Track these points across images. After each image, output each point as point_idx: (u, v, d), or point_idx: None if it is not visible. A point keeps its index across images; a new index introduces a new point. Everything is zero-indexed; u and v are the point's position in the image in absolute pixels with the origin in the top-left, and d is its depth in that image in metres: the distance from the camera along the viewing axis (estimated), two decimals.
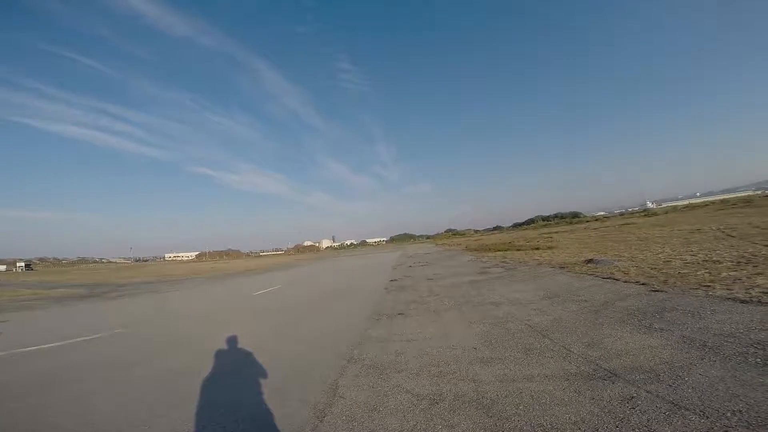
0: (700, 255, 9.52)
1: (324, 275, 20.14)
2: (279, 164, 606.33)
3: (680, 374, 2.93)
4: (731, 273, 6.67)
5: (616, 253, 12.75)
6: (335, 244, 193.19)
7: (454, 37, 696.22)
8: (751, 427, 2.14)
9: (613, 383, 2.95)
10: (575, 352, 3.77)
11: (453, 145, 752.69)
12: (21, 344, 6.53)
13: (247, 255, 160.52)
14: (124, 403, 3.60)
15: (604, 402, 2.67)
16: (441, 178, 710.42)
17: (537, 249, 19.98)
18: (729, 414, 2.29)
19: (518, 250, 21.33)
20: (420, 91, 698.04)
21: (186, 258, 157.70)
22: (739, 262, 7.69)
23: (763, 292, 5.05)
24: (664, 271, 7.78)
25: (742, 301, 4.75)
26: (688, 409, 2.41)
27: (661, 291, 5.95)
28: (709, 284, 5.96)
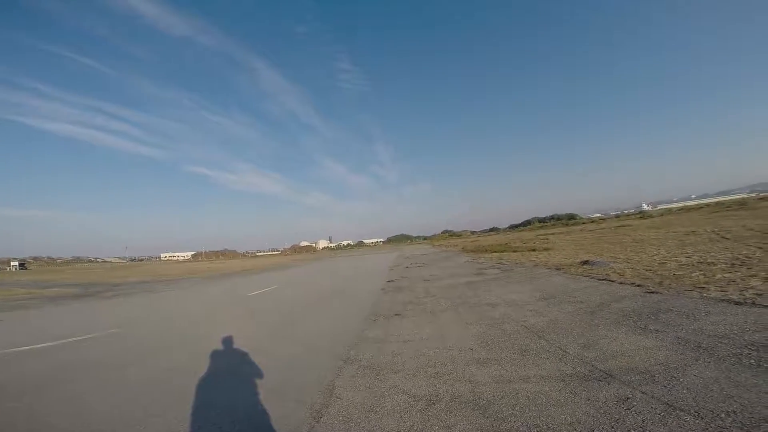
0: (694, 257, 9.59)
1: (320, 276, 20.10)
2: (277, 164, 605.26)
3: (675, 375, 2.95)
4: (726, 275, 6.73)
5: (612, 254, 12.82)
6: (332, 245, 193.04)
7: (454, 37, 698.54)
8: (745, 428, 2.15)
9: (608, 384, 2.97)
10: (571, 353, 3.79)
11: (451, 146, 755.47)
12: (14, 344, 6.46)
13: (244, 255, 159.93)
14: (119, 403, 3.57)
15: (600, 403, 2.68)
16: (438, 179, 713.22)
17: (533, 250, 20.05)
18: (723, 415, 2.31)
19: (514, 251, 21.40)
20: (419, 92, 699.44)
21: (182, 258, 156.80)
22: (733, 264, 7.76)
23: (757, 294, 5.10)
24: (659, 272, 7.83)
25: (737, 303, 4.79)
26: (683, 410, 2.42)
27: (656, 292, 5.99)
28: (703, 286, 6.01)
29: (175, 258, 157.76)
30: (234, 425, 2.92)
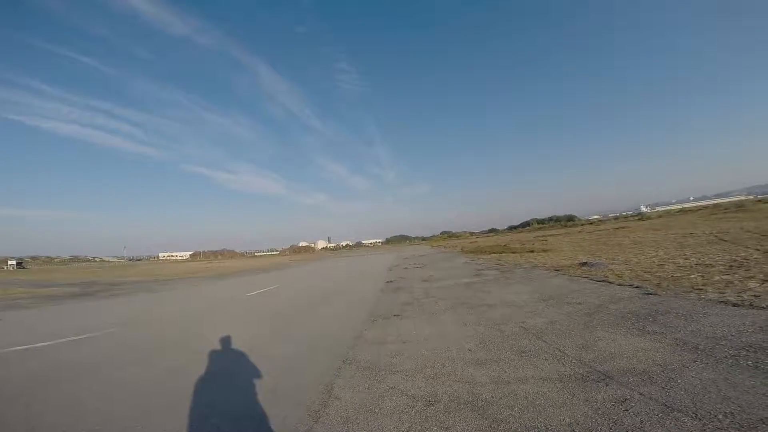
0: (693, 259, 9.62)
1: (319, 276, 20.08)
2: (276, 164, 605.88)
3: (673, 377, 2.96)
4: (723, 277, 6.75)
5: (610, 256, 12.85)
6: (331, 245, 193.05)
7: (454, 38, 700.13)
8: (742, 430, 2.16)
9: (606, 385, 2.97)
10: (569, 354, 3.79)
11: (450, 147, 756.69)
12: (12, 343, 6.44)
13: (242, 255, 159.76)
14: (117, 402, 3.57)
15: (598, 404, 2.68)
16: (437, 179, 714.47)
17: (532, 252, 20.07)
18: (721, 416, 2.32)
19: (513, 252, 21.41)
20: (419, 92, 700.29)
21: (180, 258, 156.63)
22: (731, 266, 7.78)
23: (754, 296, 5.11)
24: (657, 274, 7.85)
25: (734, 305, 4.81)
26: (680, 411, 2.43)
27: (655, 294, 6.01)
28: (701, 288, 6.03)
29: (173, 258, 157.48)
30: (232, 425, 2.92)
